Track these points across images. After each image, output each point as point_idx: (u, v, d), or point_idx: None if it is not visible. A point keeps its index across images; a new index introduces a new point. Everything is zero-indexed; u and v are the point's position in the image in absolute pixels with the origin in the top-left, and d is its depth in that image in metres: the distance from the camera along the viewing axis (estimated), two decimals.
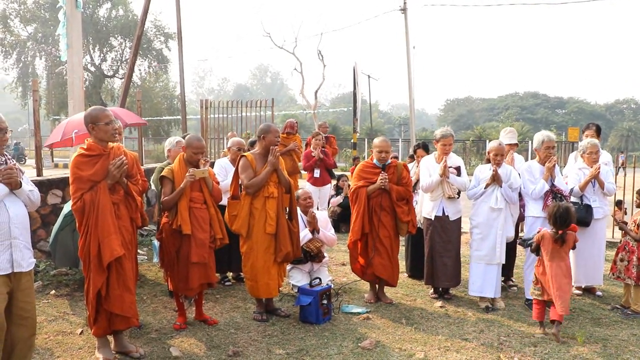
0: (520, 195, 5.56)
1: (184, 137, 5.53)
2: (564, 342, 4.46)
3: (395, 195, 5.41)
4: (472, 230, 5.52)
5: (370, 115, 38.61)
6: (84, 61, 15.21)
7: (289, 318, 5.02)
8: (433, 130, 39.10)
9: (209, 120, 13.25)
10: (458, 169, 5.60)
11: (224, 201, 5.14)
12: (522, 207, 5.67)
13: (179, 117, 28.25)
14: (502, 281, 5.87)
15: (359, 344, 4.38)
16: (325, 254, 5.88)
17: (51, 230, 5.93)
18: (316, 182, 8.72)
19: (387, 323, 4.94)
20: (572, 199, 5.57)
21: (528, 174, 5.49)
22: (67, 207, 5.55)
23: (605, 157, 5.99)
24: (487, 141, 25.75)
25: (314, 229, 5.64)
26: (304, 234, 5.53)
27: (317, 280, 5.15)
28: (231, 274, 6.26)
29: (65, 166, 23.64)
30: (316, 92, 33.19)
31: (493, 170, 5.31)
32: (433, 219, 5.57)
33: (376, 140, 5.58)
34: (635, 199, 5.72)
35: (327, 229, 5.83)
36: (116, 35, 36.14)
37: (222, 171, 5.97)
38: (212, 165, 6.03)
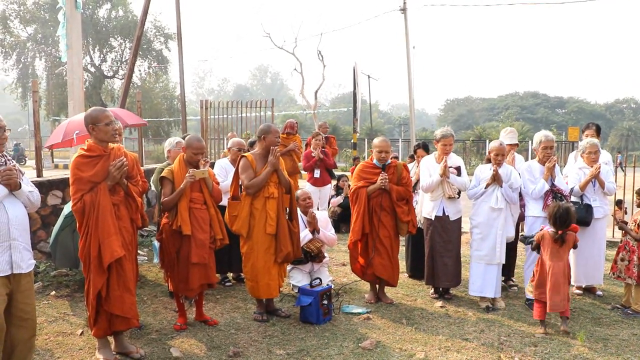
0: (520, 195, 5.56)
1: (183, 138, 5.53)
2: (564, 341, 4.47)
3: (395, 195, 5.41)
4: (473, 230, 5.52)
5: (370, 116, 38.63)
6: (83, 62, 15.22)
7: (290, 318, 5.02)
8: (433, 130, 39.12)
9: (209, 121, 13.26)
10: (458, 169, 5.60)
11: (224, 202, 5.14)
12: (523, 206, 5.68)
13: (179, 117, 28.27)
14: (503, 281, 5.87)
15: (360, 344, 4.38)
16: (326, 254, 5.87)
17: (51, 231, 5.94)
18: (316, 183, 8.72)
19: (387, 323, 4.94)
20: (573, 198, 5.57)
21: (528, 173, 5.49)
22: (67, 208, 5.55)
23: (605, 156, 5.99)
24: (487, 141, 25.77)
25: (314, 229, 5.64)
26: (304, 235, 5.52)
27: (318, 281, 5.15)
28: (231, 274, 6.26)
29: (66, 167, 23.66)
30: (316, 92, 33.19)
31: (494, 170, 5.31)
32: (433, 219, 5.57)
33: (376, 141, 5.58)
34: (635, 199, 5.72)
35: (327, 229, 5.82)
36: (116, 36, 36.14)
37: (223, 172, 5.97)
38: (212, 165, 6.03)
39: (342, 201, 9.35)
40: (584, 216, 5.46)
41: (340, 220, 9.17)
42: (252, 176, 4.79)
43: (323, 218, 5.92)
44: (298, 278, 5.62)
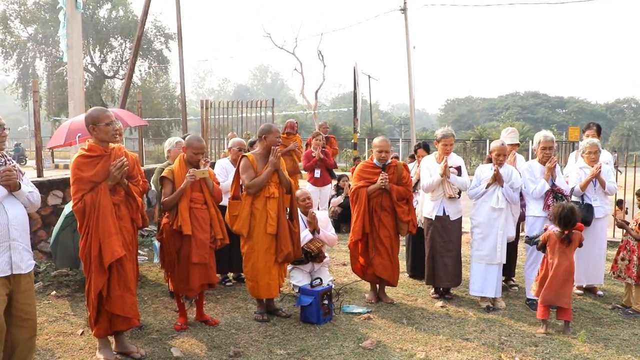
0: (521, 194, 5.56)
1: (184, 138, 5.53)
2: (565, 341, 4.47)
3: (395, 195, 5.40)
4: (473, 230, 5.52)
5: (371, 115, 38.60)
6: (84, 62, 15.22)
7: (290, 318, 5.02)
8: (433, 130, 39.08)
9: (209, 121, 13.26)
10: (459, 168, 5.60)
11: (225, 201, 5.14)
12: (523, 206, 5.67)
13: (179, 117, 28.26)
14: (503, 281, 5.87)
15: (360, 344, 4.38)
16: (326, 254, 5.87)
17: (52, 231, 5.94)
18: (317, 182, 8.72)
19: (388, 323, 4.94)
20: (573, 198, 5.56)
21: (529, 173, 5.49)
22: (67, 208, 5.55)
23: (605, 156, 5.99)
24: (488, 141, 25.76)
25: (315, 230, 5.64)
26: (305, 235, 5.52)
27: (318, 281, 5.15)
28: (232, 274, 6.26)
29: (66, 167, 23.67)
30: (316, 92, 33.20)
31: (494, 170, 5.31)
32: (434, 218, 5.57)
33: (376, 140, 5.58)
34: (636, 200, 5.72)
35: (327, 229, 5.82)
36: (116, 36, 36.13)
37: (223, 172, 5.97)
38: (212, 165, 6.03)
39: (342, 201, 9.35)
40: (585, 216, 5.45)
41: (341, 220, 9.17)
42: (252, 176, 4.79)
43: (323, 218, 5.92)
44: (298, 278, 5.62)
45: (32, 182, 3.69)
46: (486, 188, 5.38)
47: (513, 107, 63.93)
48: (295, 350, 4.29)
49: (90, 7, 34.30)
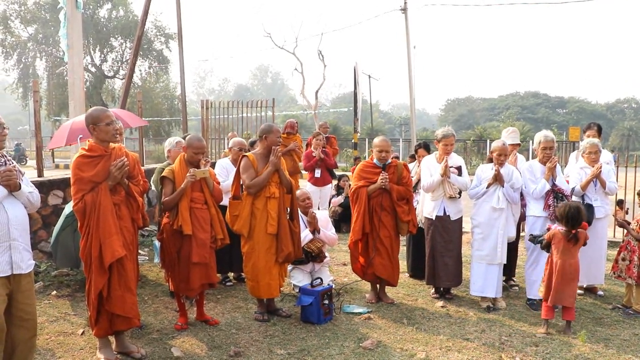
0: (521, 194, 5.56)
1: (184, 138, 5.53)
2: (565, 341, 4.46)
3: (395, 195, 5.40)
4: (474, 230, 5.52)
5: (371, 115, 38.60)
6: (84, 62, 15.22)
7: (290, 318, 5.02)
8: (434, 130, 39.03)
9: (209, 121, 13.26)
10: (459, 168, 5.59)
11: (225, 201, 5.14)
12: (524, 206, 5.67)
13: (179, 117, 28.28)
14: (504, 281, 5.87)
15: (361, 344, 4.38)
16: (327, 254, 5.87)
17: (52, 231, 5.94)
18: (317, 182, 8.72)
19: (388, 323, 4.93)
20: (574, 198, 5.56)
21: (529, 173, 5.48)
22: (68, 208, 5.55)
23: (606, 156, 5.98)
24: (488, 141, 25.75)
25: (315, 229, 5.64)
26: (305, 235, 5.52)
27: (319, 280, 5.15)
28: (232, 274, 6.26)
29: (66, 167, 23.67)
30: (317, 92, 33.25)
31: (495, 170, 5.30)
32: (434, 218, 5.57)
33: (376, 140, 5.58)
34: (637, 199, 5.72)
35: (327, 229, 5.82)
36: (116, 36, 36.14)
37: (224, 171, 5.97)
38: (212, 165, 6.03)
39: (342, 201, 9.35)
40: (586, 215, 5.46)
41: (341, 220, 9.17)
42: (253, 176, 4.79)
43: (324, 218, 5.92)
44: (299, 278, 5.62)
45: (32, 182, 3.69)
46: (487, 188, 5.37)
47: (513, 107, 63.91)
48: (295, 350, 4.29)
49: (91, 7, 34.31)
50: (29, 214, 3.52)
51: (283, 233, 4.83)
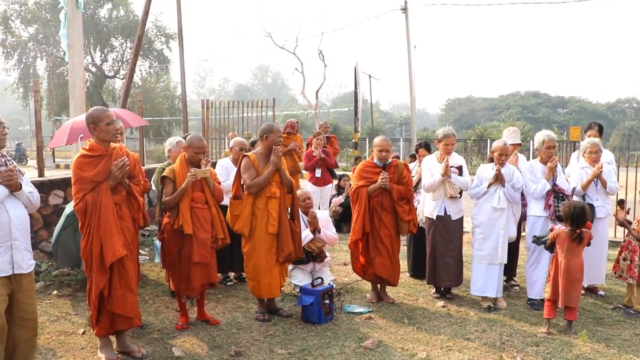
0: (522, 194, 5.55)
1: (184, 138, 5.53)
2: (566, 341, 4.46)
3: (396, 195, 5.40)
4: (474, 229, 5.52)
5: (372, 115, 38.59)
6: (85, 62, 15.23)
7: (291, 318, 5.02)
8: (434, 130, 38.97)
9: (210, 121, 13.26)
10: (460, 168, 5.59)
11: (226, 201, 5.14)
12: (524, 206, 5.67)
13: (180, 117, 28.30)
14: (504, 281, 5.87)
15: (361, 344, 4.38)
16: (327, 254, 5.87)
17: (53, 230, 5.94)
18: (317, 182, 8.73)
19: (389, 323, 4.93)
20: (575, 198, 5.56)
21: (530, 173, 5.48)
22: (68, 208, 5.55)
23: (607, 156, 5.98)
24: (489, 141, 25.74)
25: (315, 229, 5.64)
26: (306, 234, 5.52)
27: (319, 280, 5.15)
28: (233, 274, 6.26)
29: (67, 167, 23.68)
30: (317, 92, 33.24)
31: (496, 170, 5.30)
32: (435, 218, 5.56)
33: (376, 140, 5.58)
34: (638, 198, 5.71)
35: (328, 229, 5.82)
36: (117, 36, 36.16)
37: (224, 171, 5.97)
38: (213, 165, 6.03)
39: (343, 201, 9.35)
40: None
41: (342, 220, 9.17)
42: (254, 176, 4.79)
43: (324, 218, 5.91)
44: (299, 277, 5.62)
45: (33, 181, 3.69)
46: (488, 188, 5.37)
47: (514, 106, 63.86)
48: (296, 350, 4.29)
49: (91, 6, 34.33)
50: (29, 214, 3.52)
51: (284, 233, 4.83)
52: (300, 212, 5.43)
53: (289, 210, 5.03)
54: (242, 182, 4.92)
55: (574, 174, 5.83)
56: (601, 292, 5.88)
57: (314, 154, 8.70)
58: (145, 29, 13.81)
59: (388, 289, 5.68)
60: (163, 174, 4.73)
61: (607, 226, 5.91)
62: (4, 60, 35.41)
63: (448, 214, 5.53)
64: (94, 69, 36.19)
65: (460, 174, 5.57)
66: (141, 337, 4.52)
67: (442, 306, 5.39)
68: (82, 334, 4.60)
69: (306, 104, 35.92)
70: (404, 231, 5.53)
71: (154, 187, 5.72)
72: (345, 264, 6.99)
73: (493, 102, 68.96)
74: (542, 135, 5.52)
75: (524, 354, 4.24)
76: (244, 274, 5.57)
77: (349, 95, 55.39)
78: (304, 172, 9.33)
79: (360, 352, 4.24)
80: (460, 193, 5.57)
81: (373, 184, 5.41)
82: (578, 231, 4.64)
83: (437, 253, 5.56)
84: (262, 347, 4.34)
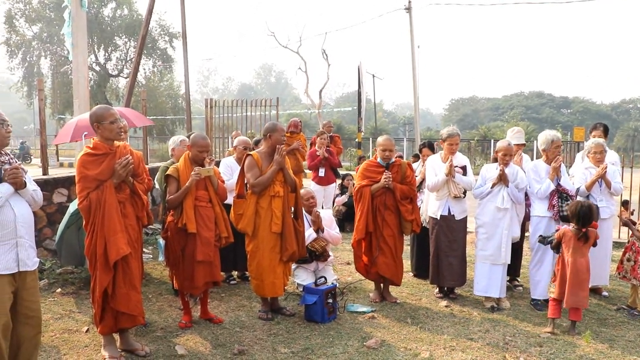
0: (526, 194, 5.54)
1: (188, 137, 5.54)
2: (570, 342, 4.45)
3: (399, 194, 5.40)
4: (478, 229, 5.51)
5: (375, 115, 38.56)
6: (88, 60, 15.26)
7: (294, 317, 5.03)
8: (438, 130, 38.91)
9: (213, 120, 13.28)
10: (464, 168, 5.59)
11: (230, 200, 5.15)
12: (528, 206, 5.66)
13: (183, 116, 28.36)
14: (508, 281, 5.86)
15: (365, 343, 4.38)
16: (330, 253, 5.87)
17: (57, 229, 5.96)
18: (321, 181, 8.73)
19: (392, 322, 4.93)
20: (579, 198, 5.54)
21: (534, 173, 5.47)
22: (72, 206, 5.57)
23: (612, 156, 5.96)
24: (492, 141, 25.68)
25: (319, 228, 5.64)
26: (309, 234, 5.52)
27: (322, 279, 5.15)
28: (236, 272, 6.27)
29: (71, 165, 23.74)
30: (321, 91, 33.22)
31: (500, 170, 5.29)
32: (439, 218, 5.56)
33: (380, 139, 5.58)
34: None
35: (331, 228, 5.82)
36: (121, 35, 36.24)
37: (228, 170, 5.97)
38: (217, 164, 6.04)
39: (346, 200, 9.34)
40: None
41: (345, 219, 9.17)
42: (257, 175, 4.79)
43: (327, 217, 5.91)
44: (303, 277, 5.62)
45: (37, 180, 3.70)
46: (491, 188, 5.36)
47: (517, 107, 63.71)
48: (299, 349, 4.29)
49: (95, 5, 34.39)
50: (33, 212, 3.53)
51: (287, 232, 4.83)
52: (303, 211, 5.43)
53: (293, 209, 5.03)
54: (245, 181, 4.93)
55: (578, 175, 5.82)
56: (605, 293, 5.86)
57: (318, 153, 8.70)
58: (149, 28, 13.83)
59: (391, 288, 5.68)
60: (167, 173, 4.74)
61: (611, 227, 5.90)
62: (8, 59, 35.55)
63: (452, 213, 5.52)
64: (97, 68, 36.27)
65: (465, 173, 5.57)
66: (144, 335, 4.53)
67: (446, 306, 5.39)
68: (86, 331, 4.61)
69: (309, 103, 35.96)
70: (407, 231, 5.53)
71: (157, 186, 5.73)
72: (348, 264, 6.99)
73: (497, 102, 68.81)
74: (550, 135, 5.50)
75: (527, 354, 4.23)
76: (247, 272, 5.58)
77: (353, 95, 55.34)
78: (307, 171, 9.32)
79: (363, 352, 4.24)
80: (464, 193, 5.56)
81: (376, 183, 5.41)
82: (584, 230, 4.62)
83: (441, 253, 5.56)
84: (265, 346, 4.35)
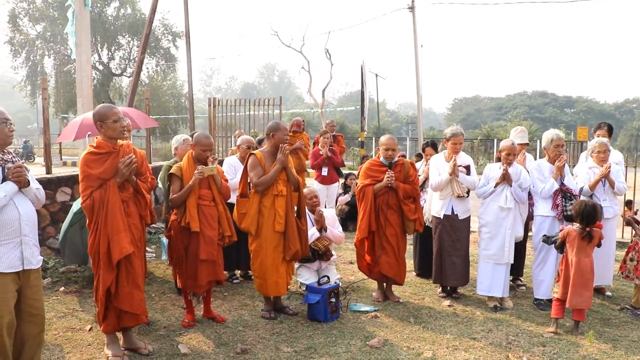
0: (529, 193, 5.53)
1: (191, 136, 5.54)
2: (573, 342, 4.44)
3: (402, 193, 5.39)
4: (481, 229, 5.50)
5: (378, 114, 38.58)
6: (92, 59, 15.30)
7: (297, 316, 5.02)
8: (441, 130, 38.86)
9: (216, 119, 13.29)
10: (468, 167, 5.58)
11: (233, 199, 5.15)
12: (532, 206, 5.65)
13: (186, 115, 28.35)
14: (511, 280, 5.84)
15: (367, 342, 4.37)
16: (333, 252, 5.87)
17: (60, 227, 5.97)
18: (324, 181, 8.73)
19: (395, 321, 4.93)
20: (582, 198, 5.53)
21: (537, 172, 5.46)
22: (76, 205, 5.58)
23: (616, 156, 5.94)
24: (495, 140, 25.65)
25: (322, 228, 5.64)
26: (312, 233, 5.52)
27: (325, 279, 5.15)
28: (239, 271, 6.27)
29: (74, 164, 23.78)
30: (324, 90, 33.20)
31: (503, 170, 5.28)
32: (442, 217, 5.55)
33: (383, 138, 5.58)
34: None
35: (334, 227, 5.82)
36: (124, 34, 36.29)
37: (231, 169, 5.98)
38: (220, 163, 6.04)
39: (349, 199, 9.34)
40: None
41: (348, 219, 9.17)
42: (261, 174, 4.79)
43: (330, 216, 5.91)
44: (306, 276, 5.62)
45: (41, 178, 3.71)
46: (495, 187, 5.35)
47: (521, 106, 63.59)
48: (302, 348, 4.29)
49: (98, 5, 34.45)
50: (36, 210, 3.54)
51: (290, 231, 4.83)
52: (307, 210, 5.43)
53: (296, 208, 5.03)
54: (248, 180, 4.93)
55: (581, 174, 5.80)
56: (608, 293, 5.85)
57: (321, 152, 8.70)
58: (152, 27, 13.84)
59: (394, 287, 5.68)
60: (170, 172, 4.75)
61: (614, 227, 5.88)
62: (12, 58, 35.66)
63: (455, 213, 5.51)
64: (101, 67, 36.33)
65: (468, 173, 5.56)
66: (148, 334, 4.53)
67: (448, 305, 5.38)
68: (89, 330, 4.62)
69: (312, 102, 35.96)
70: (410, 230, 5.53)
71: (160, 185, 5.74)
72: (351, 263, 6.99)
73: (500, 102, 68.69)
74: (550, 134, 5.50)
75: (530, 354, 4.22)
76: (250, 271, 5.58)
77: (356, 94, 55.33)
78: (309, 170, 9.32)
79: (366, 351, 4.24)
80: (468, 192, 5.55)
81: (379, 182, 5.40)
82: (588, 229, 4.61)
83: (444, 252, 5.55)
84: (268, 345, 4.35)
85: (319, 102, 33.03)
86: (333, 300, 4.93)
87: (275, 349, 4.28)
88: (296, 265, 5.50)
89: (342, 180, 9.64)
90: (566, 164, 5.43)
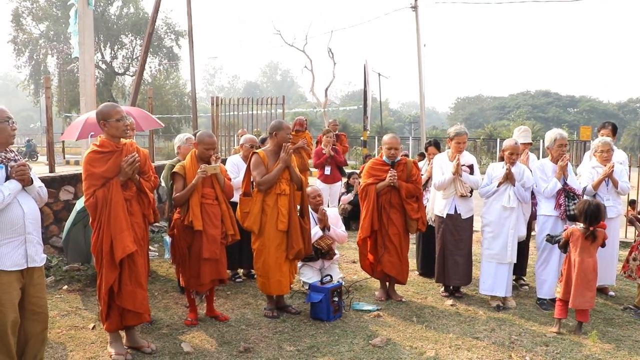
0: (532, 193, 5.52)
1: (194, 135, 5.55)
2: (576, 341, 4.43)
3: (404, 193, 5.39)
4: (484, 228, 5.49)
5: (381, 113, 38.52)
6: (95, 59, 15.32)
7: (300, 315, 5.03)
8: (444, 129, 38.85)
9: (219, 118, 13.30)
10: (471, 167, 5.57)
11: (236, 198, 5.15)
12: (535, 205, 5.64)
13: (189, 114, 28.36)
14: (514, 280, 5.84)
15: (370, 342, 4.37)
16: (336, 252, 5.87)
17: (63, 226, 5.98)
18: (327, 180, 8.73)
19: (397, 321, 4.93)
20: (585, 197, 5.52)
21: (540, 172, 5.45)
22: (79, 204, 5.59)
23: (619, 155, 5.93)
24: (498, 140, 25.60)
25: (325, 227, 5.64)
26: (315, 232, 5.52)
27: (328, 278, 5.15)
28: (242, 270, 6.28)
29: (77, 163, 23.83)
30: (326, 89, 33.20)
31: (506, 169, 5.27)
32: (445, 217, 5.54)
33: (385, 137, 5.57)
34: None
35: (337, 226, 5.82)
36: (127, 33, 36.37)
37: (234, 168, 5.98)
38: (223, 162, 6.05)
39: (352, 198, 9.34)
40: None
41: (351, 218, 9.16)
42: (263, 173, 4.80)
43: (333, 215, 5.91)
44: (308, 275, 5.62)
45: (44, 177, 3.72)
46: (498, 187, 5.35)
47: (524, 105, 63.45)
48: (305, 347, 4.29)
49: (101, 4, 34.51)
50: (39, 209, 3.55)
51: (293, 230, 4.83)
52: (310, 209, 5.43)
53: (299, 207, 5.03)
54: (252, 179, 4.93)
55: (585, 174, 5.79)
56: (612, 293, 5.84)
57: (324, 151, 8.70)
58: (155, 27, 13.86)
59: (397, 287, 5.68)
60: (173, 170, 4.75)
61: (618, 226, 5.86)
62: (15, 57, 35.77)
63: (458, 212, 5.51)
64: (104, 66, 36.40)
65: (471, 172, 5.55)
66: (150, 333, 4.54)
67: (451, 305, 5.38)
68: (92, 328, 4.63)
69: (315, 101, 35.93)
70: (413, 229, 5.52)
71: (163, 184, 5.75)
72: (354, 262, 6.99)
73: (503, 101, 68.55)
74: (554, 134, 5.48)
75: (533, 354, 4.22)
76: (253, 270, 5.58)
77: (358, 94, 55.26)
78: (312, 169, 9.32)
79: (369, 350, 4.24)
80: (471, 192, 5.55)
81: (382, 181, 5.40)
82: (591, 229, 4.60)
83: (447, 251, 5.54)
84: (271, 344, 4.35)
85: (322, 101, 33.02)
86: (336, 299, 4.93)
87: (278, 347, 4.28)
88: (299, 264, 5.50)
89: (344, 180, 9.64)
90: (569, 164, 5.42)
